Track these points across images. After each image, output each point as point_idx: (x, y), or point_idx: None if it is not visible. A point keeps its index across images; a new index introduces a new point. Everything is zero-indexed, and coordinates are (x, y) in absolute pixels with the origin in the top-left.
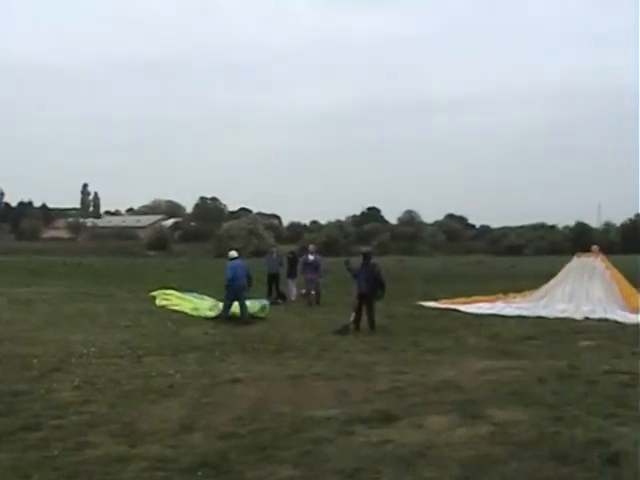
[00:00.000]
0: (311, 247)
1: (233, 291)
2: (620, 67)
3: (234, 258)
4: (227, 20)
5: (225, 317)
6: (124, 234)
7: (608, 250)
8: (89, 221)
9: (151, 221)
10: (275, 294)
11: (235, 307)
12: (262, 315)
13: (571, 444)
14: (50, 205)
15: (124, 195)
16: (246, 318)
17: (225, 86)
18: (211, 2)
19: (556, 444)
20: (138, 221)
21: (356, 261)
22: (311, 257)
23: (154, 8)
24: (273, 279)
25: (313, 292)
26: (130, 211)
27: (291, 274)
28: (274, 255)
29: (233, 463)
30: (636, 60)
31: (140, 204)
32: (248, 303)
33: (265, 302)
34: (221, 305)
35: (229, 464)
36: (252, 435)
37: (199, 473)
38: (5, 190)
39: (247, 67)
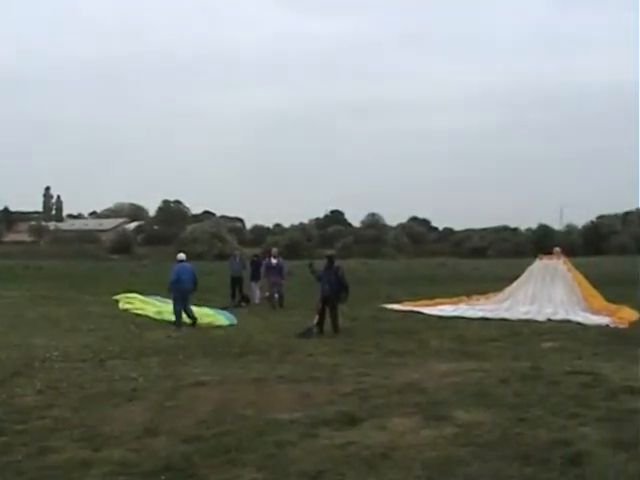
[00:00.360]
0: (274, 250)
1: (179, 294)
2: (583, 70)
3: (181, 261)
4: (183, 21)
5: (179, 323)
6: (87, 237)
7: (570, 252)
8: (51, 224)
9: (114, 224)
10: (238, 297)
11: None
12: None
13: (534, 444)
14: (12, 209)
15: (87, 198)
16: (192, 319)
17: (189, 88)
18: (165, 3)
19: (519, 445)
20: (101, 224)
21: (320, 264)
22: (274, 260)
23: (107, 9)
24: (236, 282)
25: (276, 295)
26: (93, 214)
27: (255, 277)
28: (237, 258)
29: (197, 466)
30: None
31: (103, 207)
32: (221, 316)
33: (234, 321)
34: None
35: (193, 467)
36: (216, 438)
37: (162, 477)
38: None
39: (209, 69)
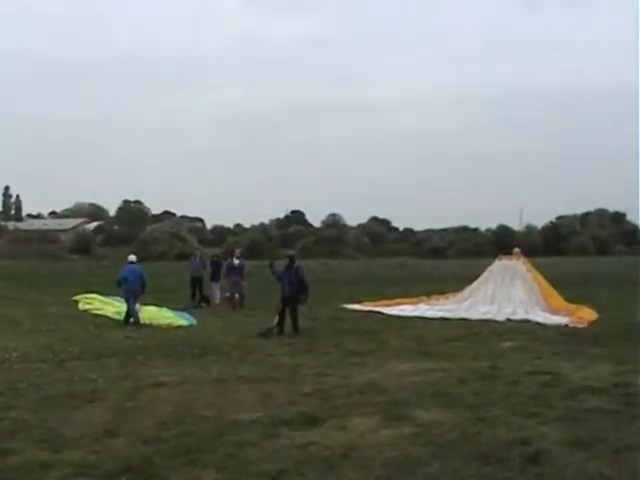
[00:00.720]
0: (237, 251)
1: (126, 293)
2: (544, 70)
3: (131, 262)
4: (146, 20)
5: (135, 321)
6: (46, 237)
7: (530, 252)
8: (10, 224)
9: (74, 224)
10: (198, 298)
11: (149, 311)
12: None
13: (493, 444)
14: None
15: (47, 198)
16: (128, 319)
17: (146, 88)
18: (131, 2)
19: (478, 444)
20: (61, 224)
21: (280, 264)
22: (236, 261)
23: (73, 7)
24: (197, 282)
25: (237, 295)
26: (53, 214)
27: (215, 277)
28: (198, 258)
29: (157, 467)
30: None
31: (63, 207)
32: (180, 317)
33: (194, 321)
34: (144, 308)
35: (153, 468)
36: (176, 439)
37: (123, 478)
38: None
39: (169, 69)
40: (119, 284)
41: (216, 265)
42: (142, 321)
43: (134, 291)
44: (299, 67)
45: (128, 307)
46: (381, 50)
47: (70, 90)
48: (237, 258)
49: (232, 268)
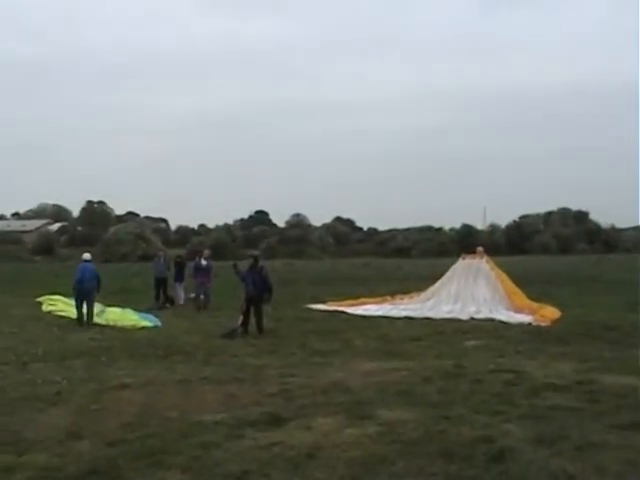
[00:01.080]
0: (206, 252)
1: (80, 293)
2: (508, 72)
3: (85, 261)
4: (107, 20)
5: (79, 317)
6: (9, 239)
7: (493, 251)
8: None
9: (37, 225)
10: (163, 298)
11: (113, 313)
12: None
13: (457, 442)
14: None
15: (9, 199)
16: (89, 320)
17: (110, 88)
18: (87, 3)
19: (443, 442)
20: (23, 225)
21: (244, 265)
22: (204, 262)
23: (26, 6)
24: (161, 283)
25: (202, 296)
26: (15, 215)
27: (178, 278)
28: (162, 259)
29: (122, 469)
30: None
31: (26, 208)
32: (145, 320)
33: (159, 322)
34: (108, 310)
35: (118, 471)
36: (140, 441)
37: None
38: None
39: (133, 70)
40: (75, 285)
41: (180, 266)
42: (101, 322)
43: (90, 290)
44: (264, 68)
45: (77, 308)
46: (347, 50)
47: (34, 90)
48: (205, 259)
49: (199, 269)
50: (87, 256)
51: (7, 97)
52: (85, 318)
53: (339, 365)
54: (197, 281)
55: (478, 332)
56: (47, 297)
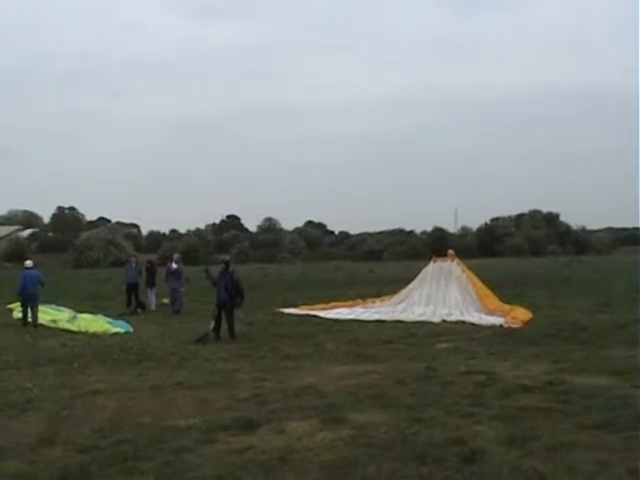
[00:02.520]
0: (175, 256)
1: (24, 299)
2: (477, 73)
3: (27, 268)
4: (84, 24)
5: (24, 323)
6: None
7: (465, 254)
8: None
9: (7, 232)
10: (135, 304)
11: (84, 319)
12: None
13: (429, 444)
14: None
15: None
16: (34, 322)
17: (79, 93)
18: (67, 6)
19: (415, 444)
20: None
21: (216, 270)
22: (174, 265)
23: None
24: (132, 289)
25: (175, 302)
26: None
27: (150, 283)
28: (133, 265)
29: (94, 476)
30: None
31: None
32: (117, 326)
33: (130, 328)
34: (79, 316)
35: (90, 477)
36: (113, 447)
37: None
38: None
39: (101, 74)
40: (19, 292)
41: (151, 271)
42: (72, 328)
43: (33, 295)
44: (234, 72)
45: (24, 311)
46: (316, 54)
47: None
48: (175, 262)
49: (171, 273)
50: (29, 263)
51: None
52: (31, 320)
53: (311, 369)
54: (169, 285)
55: (450, 334)
56: (18, 304)
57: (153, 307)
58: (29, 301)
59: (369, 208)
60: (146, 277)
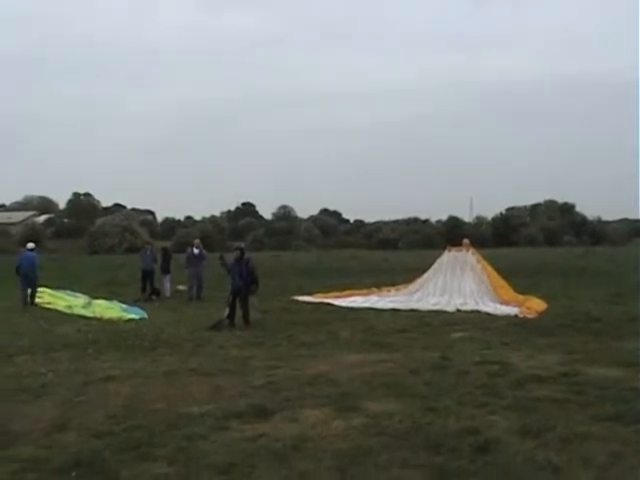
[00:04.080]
0: (196, 241)
1: (22, 279)
2: (491, 65)
3: (28, 250)
4: (100, 12)
5: (24, 304)
6: None
7: (479, 243)
8: None
9: (23, 217)
10: (149, 290)
11: (99, 305)
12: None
13: (443, 434)
14: None
15: None
16: (31, 302)
17: (96, 80)
18: None
19: (429, 434)
20: (9, 217)
21: (231, 257)
22: (196, 250)
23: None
24: (148, 276)
25: (195, 288)
26: (1, 207)
27: (165, 270)
28: (149, 251)
29: (107, 462)
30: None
31: (12, 200)
32: (132, 312)
33: (145, 315)
34: (94, 302)
35: (103, 463)
36: (126, 433)
37: (73, 473)
38: None
39: (122, 60)
40: (17, 271)
41: (165, 258)
42: (87, 314)
43: (27, 277)
44: (249, 59)
45: (23, 291)
46: (332, 44)
47: (22, 81)
48: (197, 247)
49: (194, 257)
50: (30, 245)
51: None
52: (29, 300)
53: (325, 357)
54: (191, 271)
55: (464, 324)
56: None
57: (168, 294)
58: (26, 282)
59: (385, 197)
60: (161, 264)
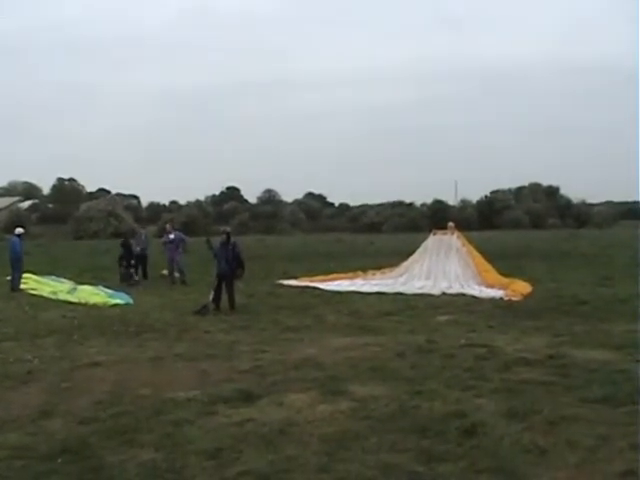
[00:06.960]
0: (167, 226)
1: (12, 263)
2: (479, 47)
3: (17, 235)
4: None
5: (15, 289)
6: None
7: (464, 227)
8: None
9: (7, 203)
10: (136, 274)
11: (84, 290)
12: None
13: (430, 417)
14: None
15: None
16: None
17: (79, 64)
18: None
19: (415, 417)
20: None
21: (216, 241)
22: (171, 236)
23: None
24: (141, 259)
25: (176, 274)
26: None
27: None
28: (143, 236)
29: (94, 448)
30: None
31: None
32: (117, 297)
33: (130, 301)
34: (79, 287)
35: (90, 449)
36: (112, 419)
37: (59, 460)
38: None
39: (104, 45)
40: (10, 256)
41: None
42: (72, 299)
43: (11, 261)
44: (232, 43)
45: (12, 275)
46: (317, 26)
47: (5, 65)
48: (170, 232)
49: (169, 243)
50: (18, 231)
51: None
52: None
53: (311, 341)
54: (168, 256)
55: (450, 307)
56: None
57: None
58: (11, 266)
59: (369, 180)
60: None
